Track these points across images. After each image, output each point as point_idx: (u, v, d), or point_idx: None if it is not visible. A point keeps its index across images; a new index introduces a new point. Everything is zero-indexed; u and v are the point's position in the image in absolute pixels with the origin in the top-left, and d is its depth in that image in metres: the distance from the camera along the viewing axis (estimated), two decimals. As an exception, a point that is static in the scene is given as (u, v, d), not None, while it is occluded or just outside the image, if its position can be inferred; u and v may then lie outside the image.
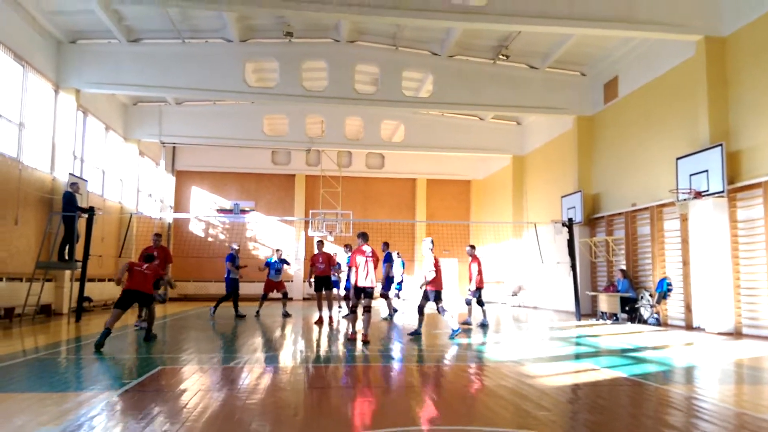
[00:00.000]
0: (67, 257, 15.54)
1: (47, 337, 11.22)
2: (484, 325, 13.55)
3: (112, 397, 5.53)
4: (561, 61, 19.05)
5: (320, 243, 14.65)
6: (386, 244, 15.90)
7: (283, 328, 13.14)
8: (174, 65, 18.30)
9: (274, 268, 16.23)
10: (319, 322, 14.04)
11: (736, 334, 12.47)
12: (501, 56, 18.73)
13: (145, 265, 9.90)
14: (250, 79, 20.59)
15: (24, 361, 8.03)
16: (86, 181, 17.92)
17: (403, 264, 18.53)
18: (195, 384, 6.40)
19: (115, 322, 9.32)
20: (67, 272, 16.51)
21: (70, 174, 16.71)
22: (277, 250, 16.81)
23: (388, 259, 15.57)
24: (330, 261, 14.31)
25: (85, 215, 15.19)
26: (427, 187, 30.63)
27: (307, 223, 27.32)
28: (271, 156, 28.83)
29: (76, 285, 15.55)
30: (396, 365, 8.07)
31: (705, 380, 7.24)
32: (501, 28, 16.11)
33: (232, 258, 15.72)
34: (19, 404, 5.19)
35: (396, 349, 9.58)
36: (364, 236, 10.62)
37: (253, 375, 6.98)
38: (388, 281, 15.72)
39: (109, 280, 20.24)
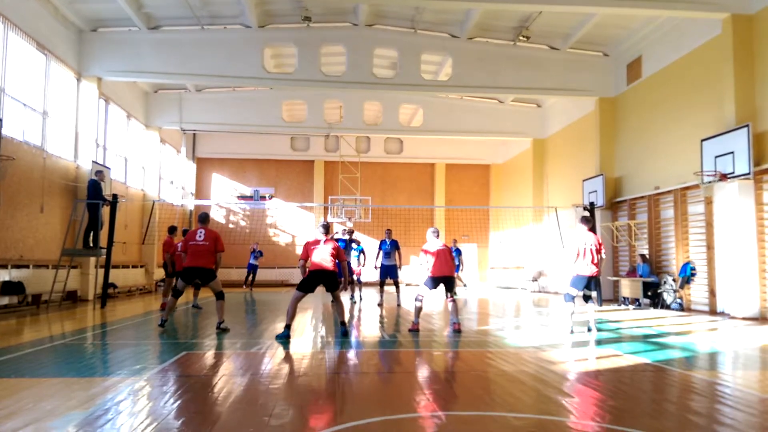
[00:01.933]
0: (91, 244, 15.80)
1: (74, 323, 11.46)
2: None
3: (138, 382, 5.63)
4: (583, 41, 18.72)
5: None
6: (389, 232, 15.68)
7: (306, 313, 13.24)
8: (193, 52, 18.36)
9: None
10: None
11: (762, 318, 12.28)
12: (521, 37, 18.46)
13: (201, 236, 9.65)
14: (269, 65, 20.58)
15: (51, 346, 8.21)
16: (109, 168, 18.15)
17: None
18: (219, 369, 6.49)
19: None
20: (92, 259, 16.80)
21: (93, 162, 16.93)
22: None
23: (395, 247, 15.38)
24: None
25: (108, 202, 15.41)
26: (446, 171, 30.46)
27: (326, 209, 27.41)
28: (290, 142, 28.89)
29: (101, 272, 15.82)
30: (414, 350, 8.10)
31: (729, 365, 7.16)
32: (522, 8, 15.89)
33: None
34: (48, 389, 5.31)
35: (416, 335, 9.60)
36: (436, 231, 10.21)
37: (275, 360, 7.05)
38: (389, 269, 15.35)
39: (133, 266, 20.58)
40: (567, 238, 18.73)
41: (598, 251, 9.61)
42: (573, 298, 9.74)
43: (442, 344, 8.72)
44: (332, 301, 9.55)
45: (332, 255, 9.20)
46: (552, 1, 14.34)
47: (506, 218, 26.47)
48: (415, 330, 9.81)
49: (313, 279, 9.16)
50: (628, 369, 6.56)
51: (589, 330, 9.66)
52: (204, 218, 9.90)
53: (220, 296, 9.79)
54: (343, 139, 28.08)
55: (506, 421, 4.36)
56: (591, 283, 9.60)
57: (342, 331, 9.25)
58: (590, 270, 9.50)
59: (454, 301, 9.86)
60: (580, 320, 10.73)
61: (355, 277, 16.48)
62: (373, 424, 4.32)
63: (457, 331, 9.64)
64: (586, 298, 9.80)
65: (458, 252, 19.58)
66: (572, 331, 9.59)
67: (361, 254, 16.77)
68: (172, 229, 14.09)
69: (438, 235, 10.15)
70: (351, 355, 7.59)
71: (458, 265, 17.33)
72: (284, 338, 8.73)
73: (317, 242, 9.30)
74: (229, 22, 18.47)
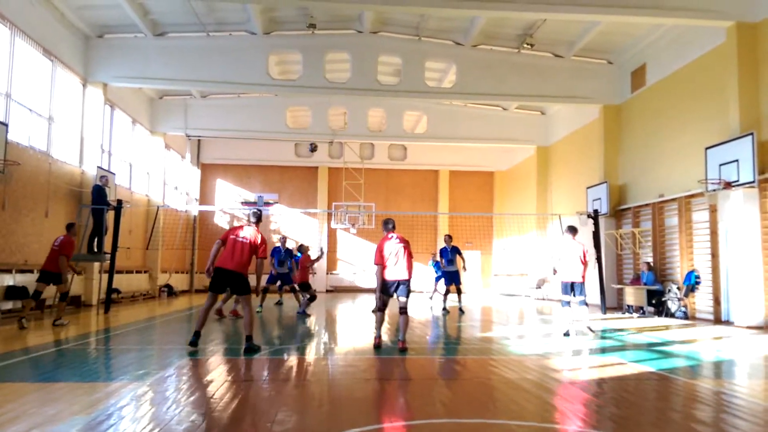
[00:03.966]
0: (96, 249, 15.83)
1: (77, 328, 11.46)
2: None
3: (141, 387, 5.63)
4: (587, 49, 18.74)
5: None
6: (449, 237, 16.16)
7: (308, 320, 13.24)
8: (199, 58, 18.45)
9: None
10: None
11: (766, 327, 12.21)
12: (525, 45, 18.47)
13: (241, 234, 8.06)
14: (274, 72, 20.66)
15: (55, 351, 8.23)
16: (114, 174, 18.22)
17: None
18: (221, 375, 6.49)
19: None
20: (96, 264, 16.82)
21: (98, 167, 17.00)
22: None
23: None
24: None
25: (112, 207, 15.45)
26: (449, 178, 30.47)
27: (330, 215, 27.42)
28: (295, 148, 28.95)
29: (105, 277, 15.85)
30: (418, 357, 8.07)
31: (734, 375, 7.12)
32: (527, 16, 15.90)
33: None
34: (52, 394, 5.32)
35: (417, 342, 9.57)
36: (386, 224, 8.75)
37: (278, 366, 7.05)
38: (453, 275, 15.60)
39: (137, 272, 20.60)
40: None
41: (584, 262, 10.28)
42: (569, 303, 10.35)
43: (445, 351, 8.70)
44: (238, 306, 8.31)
45: (247, 250, 7.88)
46: (556, 9, 14.38)
47: (510, 225, 26.43)
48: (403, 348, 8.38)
49: (219, 278, 7.87)
50: (632, 377, 6.53)
51: (592, 331, 10.01)
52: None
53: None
54: (347, 145, 28.14)
55: (509, 428, 4.35)
56: (574, 288, 10.34)
57: (246, 347, 7.79)
58: (572, 277, 10.28)
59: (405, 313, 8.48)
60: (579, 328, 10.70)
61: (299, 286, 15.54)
62: (375, 431, 4.32)
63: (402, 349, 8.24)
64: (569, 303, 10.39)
65: (456, 251, 15.83)
66: (567, 334, 10.04)
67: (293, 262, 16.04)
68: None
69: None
70: (353, 362, 7.58)
71: (447, 272, 15.64)
72: (192, 345, 7.77)
73: (240, 228, 8.10)
74: (235, 29, 18.57)
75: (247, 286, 7.96)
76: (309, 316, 13.94)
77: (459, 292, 15.67)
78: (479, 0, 14.14)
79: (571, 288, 10.40)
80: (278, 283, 15.52)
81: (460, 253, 15.49)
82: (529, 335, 10.66)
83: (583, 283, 10.36)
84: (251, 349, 7.75)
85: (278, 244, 15.52)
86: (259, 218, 8.46)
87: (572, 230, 10.66)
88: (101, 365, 7.25)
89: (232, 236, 7.95)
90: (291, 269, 15.32)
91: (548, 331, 11.36)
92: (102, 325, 11.77)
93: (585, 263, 10.33)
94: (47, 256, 11.39)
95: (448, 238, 15.91)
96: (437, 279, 17.05)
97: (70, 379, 6.10)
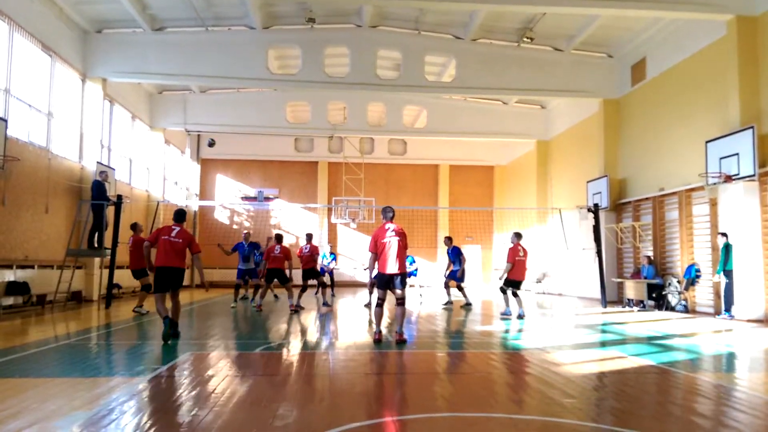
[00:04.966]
0: (96, 245, 15.84)
1: (78, 323, 11.49)
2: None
3: (142, 383, 5.64)
4: (587, 43, 18.69)
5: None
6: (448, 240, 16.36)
7: (306, 316, 13.25)
8: (198, 53, 18.40)
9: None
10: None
11: (767, 321, 12.23)
12: (525, 39, 18.42)
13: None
14: (273, 66, 20.62)
15: (56, 346, 8.24)
16: (113, 169, 18.20)
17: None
18: (223, 370, 6.50)
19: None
20: (97, 260, 16.83)
21: (98, 163, 16.98)
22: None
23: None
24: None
25: (112, 203, 15.45)
26: (449, 173, 30.42)
27: (330, 210, 27.41)
28: (294, 143, 28.92)
29: (106, 272, 15.86)
30: (418, 352, 8.08)
31: (734, 368, 7.13)
32: (526, 9, 15.88)
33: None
34: (53, 389, 5.33)
35: (417, 336, 9.59)
36: (385, 212, 8.71)
37: (279, 361, 7.06)
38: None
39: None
40: (571, 239, 18.74)
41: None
42: (506, 291, 12.77)
43: (445, 345, 8.71)
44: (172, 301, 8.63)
45: (180, 247, 8.40)
46: (556, 2, 14.33)
47: (510, 220, 26.39)
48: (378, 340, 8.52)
49: (161, 277, 8.32)
50: (632, 371, 6.54)
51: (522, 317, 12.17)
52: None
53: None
54: (347, 140, 28.10)
55: (510, 422, 4.36)
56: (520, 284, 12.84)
57: (171, 333, 8.24)
58: (522, 275, 12.74)
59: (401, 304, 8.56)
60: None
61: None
62: (376, 425, 4.32)
63: (401, 341, 8.30)
64: (515, 294, 12.72)
65: (455, 252, 15.95)
66: (521, 315, 12.27)
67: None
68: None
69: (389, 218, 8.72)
70: (354, 356, 7.59)
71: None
72: (165, 339, 8.11)
73: (169, 229, 8.47)
74: (234, 24, 18.50)
75: (182, 280, 8.70)
76: (303, 309, 13.90)
77: (460, 288, 15.63)
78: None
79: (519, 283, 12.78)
80: (247, 277, 15.64)
81: (460, 254, 15.53)
82: (530, 329, 10.67)
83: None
84: (173, 336, 8.40)
85: (242, 240, 15.59)
86: (182, 217, 8.80)
87: (518, 236, 12.70)
88: (102, 360, 7.26)
89: (162, 237, 8.43)
90: (258, 263, 15.57)
91: (549, 325, 11.37)
92: (103, 321, 11.78)
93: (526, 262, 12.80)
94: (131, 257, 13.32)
95: (448, 240, 16.05)
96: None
97: (71, 374, 6.11)
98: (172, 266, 8.39)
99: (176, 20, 17.91)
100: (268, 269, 13.54)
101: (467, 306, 14.96)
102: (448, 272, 15.77)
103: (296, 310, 13.36)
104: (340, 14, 18.71)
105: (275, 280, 13.62)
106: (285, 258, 13.48)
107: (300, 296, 14.16)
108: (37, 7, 14.61)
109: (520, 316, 12.25)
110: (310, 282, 14.93)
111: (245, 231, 16.33)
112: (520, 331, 10.41)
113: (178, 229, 8.58)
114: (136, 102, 21.54)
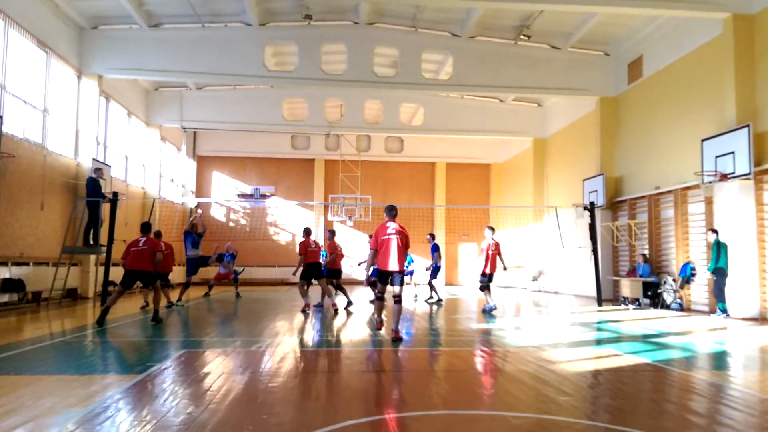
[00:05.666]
0: (91, 242, 15.79)
1: (74, 320, 11.46)
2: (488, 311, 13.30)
3: (137, 380, 5.63)
4: (584, 40, 18.70)
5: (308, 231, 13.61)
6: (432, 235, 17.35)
7: (303, 313, 13.23)
8: (194, 50, 18.34)
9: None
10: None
11: (761, 319, 12.28)
12: (522, 36, 18.44)
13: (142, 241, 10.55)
14: (270, 63, 20.57)
15: (51, 344, 8.22)
16: (109, 166, 18.14)
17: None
18: (218, 367, 6.49)
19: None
20: (92, 257, 16.79)
21: (93, 159, 16.92)
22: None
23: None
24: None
25: (107, 200, 15.40)
26: (446, 170, 30.44)
27: (326, 207, 27.39)
28: (291, 141, 28.88)
29: (101, 269, 15.81)
30: (414, 349, 8.09)
31: (729, 366, 7.15)
32: (523, 7, 15.88)
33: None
34: (48, 386, 5.31)
35: (412, 334, 9.59)
36: (389, 210, 8.82)
37: (275, 359, 7.06)
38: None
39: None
40: (567, 237, 18.77)
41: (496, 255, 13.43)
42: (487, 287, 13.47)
43: (441, 343, 8.72)
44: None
45: (146, 254, 10.35)
46: (553, 0, 14.32)
47: (507, 218, 26.45)
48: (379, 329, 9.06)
49: (130, 277, 10.39)
50: (627, 369, 6.56)
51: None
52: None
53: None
54: (343, 137, 28.07)
55: (505, 420, 4.36)
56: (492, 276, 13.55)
57: (153, 317, 10.47)
58: (491, 269, 13.40)
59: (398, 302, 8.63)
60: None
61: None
62: (372, 423, 4.33)
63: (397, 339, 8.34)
64: (486, 287, 13.49)
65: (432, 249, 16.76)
66: (494, 307, 13.07)
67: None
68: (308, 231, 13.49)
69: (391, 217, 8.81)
70: (350, 354, 7.59)
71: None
72: (99, 324, 9.89)
73: (136, 243, 10.41)
74: (230, 20, 18.46)
75: (153, 279, 10.64)
76: (311, 310, 13.18)
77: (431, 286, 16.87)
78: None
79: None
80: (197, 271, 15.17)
81: (437, 250, 16.62)
82: (526, 327, 10.69)
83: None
84: (156, 320, 10.45)
85: (187, 227, 15.63)
86: (148, 229, 10.75)
87: (491, 230, 13.62)
88: (98, 358, 7.24)
89: (132, 249, 10.43)
90: (230, 260, 16.62)
91: (544, 323, 11.39)
92: (98, 318, 11.72)
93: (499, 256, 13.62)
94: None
95: (431, 237, 17.14)
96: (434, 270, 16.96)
97: (66, 371, 6.10)
98: (140, 269, 10.41)
99: (173, 16, 17.84)
100: (307, 264, 12.82)
101: (437, 302, 16.14)
102: (430, 269, 16.71)
103: (335, 309, 12.80)
104: (337, 11, 18.68)
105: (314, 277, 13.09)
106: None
107: (332, 295, 13.48)
108: (32, 3, 14.54)
109: (488, 310, 13.10)
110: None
111: (193, 216, 15.78)
112: (517, 328, 10.43)
113: (144, 239, 10.53)
114: (132, 98, 21.47)
